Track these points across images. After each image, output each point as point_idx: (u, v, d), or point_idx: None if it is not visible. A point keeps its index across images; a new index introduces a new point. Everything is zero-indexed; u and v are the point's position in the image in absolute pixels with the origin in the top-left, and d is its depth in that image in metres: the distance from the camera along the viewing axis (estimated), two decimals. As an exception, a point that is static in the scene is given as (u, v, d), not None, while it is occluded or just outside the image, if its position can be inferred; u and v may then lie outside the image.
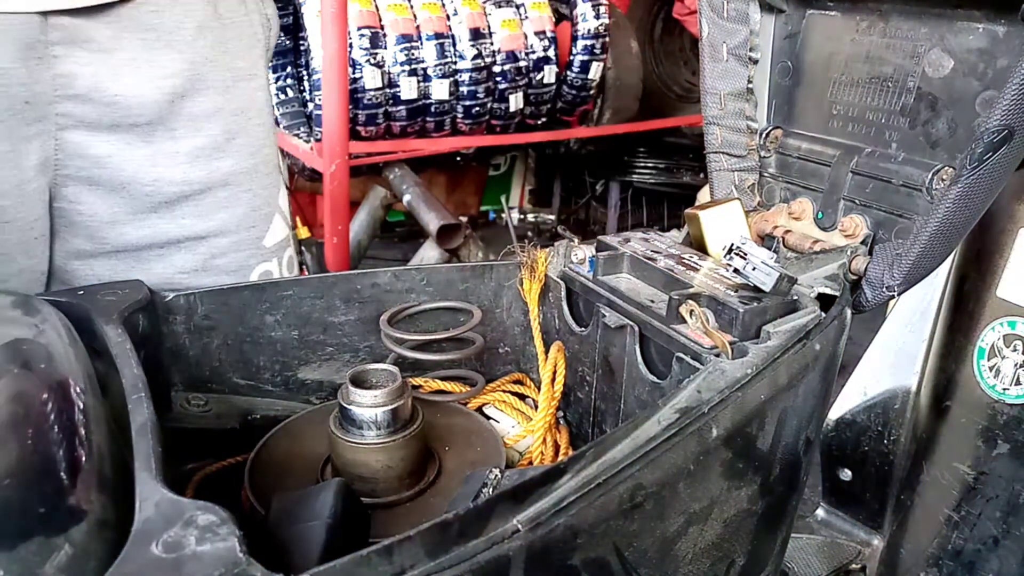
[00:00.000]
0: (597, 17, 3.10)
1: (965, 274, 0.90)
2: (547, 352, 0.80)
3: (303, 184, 3.38)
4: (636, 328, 0.70)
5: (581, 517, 0.46)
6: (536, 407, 0.79)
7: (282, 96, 2.94)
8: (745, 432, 0.57)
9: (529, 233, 3.85)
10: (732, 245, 0.67)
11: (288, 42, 2.94)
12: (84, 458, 0.45)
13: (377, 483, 0.63)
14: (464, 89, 2.91)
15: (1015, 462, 0.83)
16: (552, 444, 0.77)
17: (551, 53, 3.05)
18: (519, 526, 0.42)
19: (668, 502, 0.52)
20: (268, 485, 0.64)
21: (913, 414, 0.94)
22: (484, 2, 2.97)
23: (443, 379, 0.81)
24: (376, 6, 2.80)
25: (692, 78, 3.94)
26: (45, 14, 0.71)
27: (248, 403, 0.77)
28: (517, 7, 3.05)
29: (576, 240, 0.82)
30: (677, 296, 0.66)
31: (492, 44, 2.94)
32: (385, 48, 2.77)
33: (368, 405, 0.62)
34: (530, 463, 0.75)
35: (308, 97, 2.95)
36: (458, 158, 3.44)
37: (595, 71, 3.17)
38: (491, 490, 0.56)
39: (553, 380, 0.77)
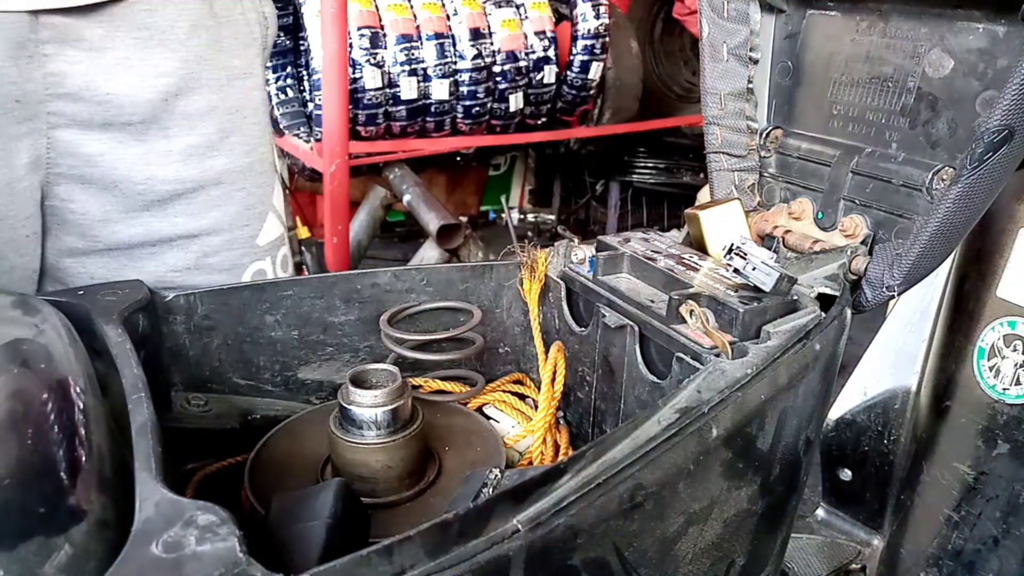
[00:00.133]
0: (597, 17, 3.10)
1: (965, 274, 0.90)
2: (547, 352, 0.80)
3: (303, 184, 3.38)
4: (636, 328, 0.70)
5: (581, 517, 0.45)
6: (536, 407, 0.79)
7: (282, 96, 2.94)
8: (745, 432, 0.57)
9: (529, 233, 3.85)
10: (732, 245, 0.67)
11: (288, 42, 2.94)
12: (84, 458, 0.45)
13: (377, 483, 0.63)
14: (464, 89, 2.91)
15: (1015, 462, 0.83)
16: (552, 444, 0.77)
17: (551, 53, 3.05)
18: (519, 526, 0.42)
19: (668, 502, 0.52)
20: (268, 485, 0.64)
21: (913, 414, 0.94)
22: (484, 2, 2.97)
23: (443, 379, 0.81)
24: (376, 6, 2.80)
25: (692, 78, 3.94)
26: (36, 13, 0.71)
27: (248, 403, 0.77)
28: (517, 7, 3.05)
29: (576, 240, 0.82)
30: (677, 296, 0.66)
31: (492, 44, 2.94)
32: (385, 48, 2.77)
33: (368, 405, 0.62)
34: (530, 463, 0.75)
35: (308, 97, 2.95)
36: (458, 158, 3.44)
37: (595, 71, 3.17)
38: (491, 490, 0.56)
39: (553, 380, 0.77)
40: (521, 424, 0.78)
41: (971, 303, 0.89)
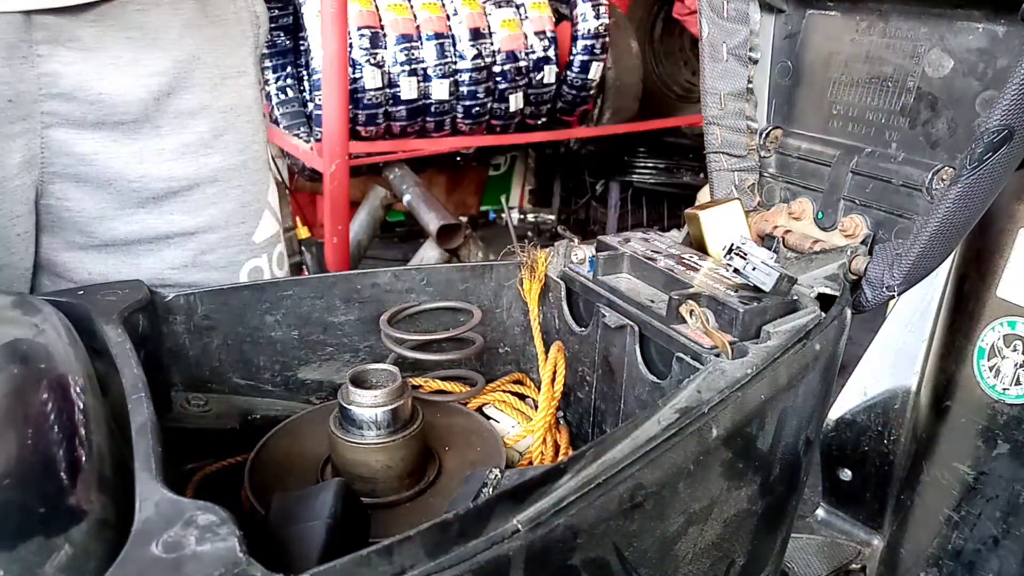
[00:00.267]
0: (597, 17, 3.10)
1: (965, 274, 0.90)
2: (547, 352, 0.80)
3: (303, 184, 3.38)
4: (636, 328, 0.70)
5: (581, 517, 0.45)
6: (536, 407, 0.79)
7: (282, 96, 2.94)
8: (745, 432, 0.57)
9: (529, 233, 3.85)
10: (732, 245, 0.67)
11: (288, 42, 2.94)
12: (84, 458, 0.45)
13: (377, 483, 0.63)
14: (464, 89, 2.91)
15: (1015, 462, 0.83)
16: (552, 444, 0.77)
17: (551, 53, 3.06)
18: (519, 526, 0.42)
19: (668, 502, 0.52)
20: (268, 485, 0.64)
21: (913, 414, 0.94)
22: (484, 2, 2.97)
23: (443, 379, 0.81)
24: (376, 6, 2.80)
25: (692, 78, 3.94)
26: (29, 13, 0.71)
27: (248, 403, 0.77)
28: (517, 7, 3.05)
29: (576, 240, 0.82)
30: (677, 296, 0.66)
31: (492, 44, 2.94)
32: (385, 48, 2.77)
33: (368, 405, 0.62)
34: (530, 463, 0.75)
35: (308, 97, 2.95)
36: (458, 158, 3.45)
37: (595, 71, 3.17)
38: (491, 490, 0.56)
39: (553, 380, 0.77)
40: (521, 424, 0.78)
41: (971, 303, 0.89)
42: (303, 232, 3.00)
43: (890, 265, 0.71)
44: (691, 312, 0.64)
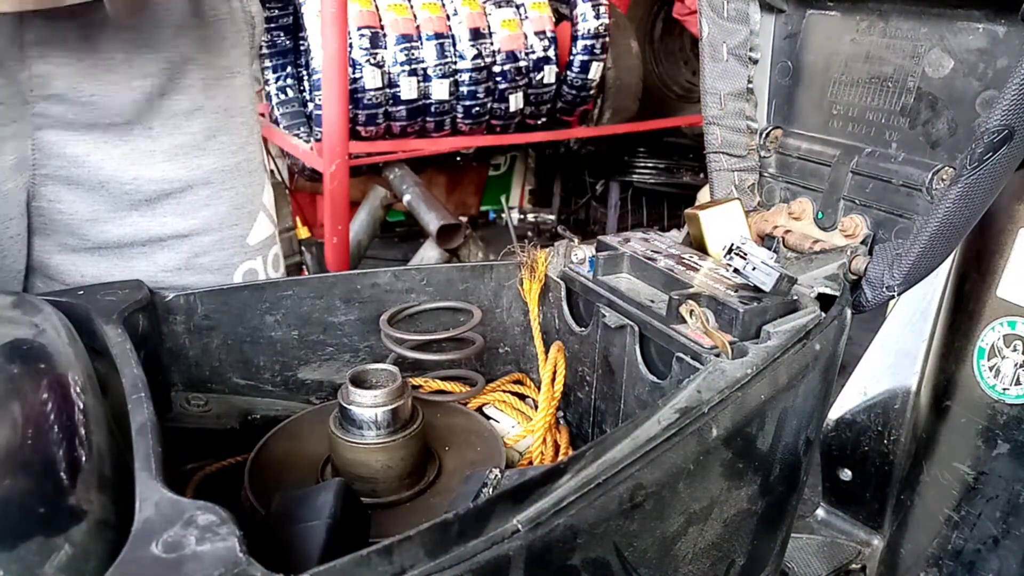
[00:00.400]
0: (597, 17, 3.10)
1: (965, 274, 0.90)
2: (547, 352, 0.80)
3: (303, 184, 3.38)
4: (636, 328, 0.70)
5: (581, 517, 0.45)
6: (536, 407, 0.79)
7: (282, 96, 2.94)
8: (745, 432, 0.57)
9: (529, 233, 3.85)
10: (732, 245, 0.67)
11: (288, 42, 2.94)
12: (84, 458, 0.45)
13: (377, 483, 0.63)
14: (464, 89, 2.91)
15: (1015, 462, 0.83)
16: (552, 444, 0.77)
17: (551, 53, 3.05)
18: (519, 526, 0.42)
19: (668, 502, 0.52)
20: (268, 485, 0.64)
21: (913, 414, 0.94)
22: (484, 2, 2.97)
23: (443, 379, 0.81)
24: (376, 6, 2.80)
25: (692, 78, 3.94)
26: (21, 15, 0.71)
27: (248, 403, 0.77)
28: (517, 7, 3.05)
29: (576, 240, 0.82)
30: (677, 296, 0.66)
31: (492, 44, 2.94)
32: (385, 48, 2.77)
33: (368, 405, 0.62)
34: (530, 463, 0.75)
35: (308, 97, 2.95)
36: (458, 158, 3.45)
37: (595, 71, 3.17)
38: (491, 490, 0.56)
39: (553, 380, 0.77)
40: (521, 424, 0.78)
41: (971, 303, 0.89)
42: (303, 232, 3.00)
43: (890, 265, 0.71)
44: (691, 312, 0.64)
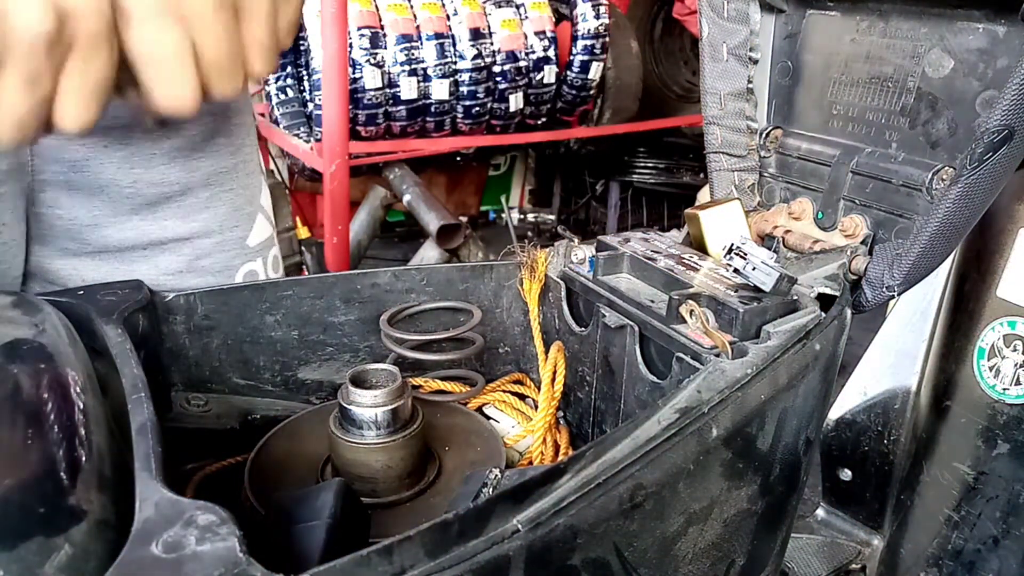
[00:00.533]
0: (597, 17, 3.10)
1: (965, 274, 0.90)
2: (547, 352, 0.80)
3: (303, 184, 3.38)
4: (636, 328, 0.70)
5: (581, 517, 0.45)
6: (536, 407, 0.79)
7: (282, 96, 2.94)
8: (745, 432, 0.57)
9: (529, 233, 3.85)
10: (732, 245, 0.67)
11: (288, 42, 2.94)
12: (84, 458, 0.45)
13: (377, 483, 0.63)
14: (464, 89, 2.91)
15: (1015, 462, 0.83)
16: (552, 444, 0.77)
17: (551, 53, 3.06)
18: (519, 526, 0.42)
19: (668, 502, 0.52)
20: (268, 485, 0.64)
21: (913, 414, 0.94)
22: (484, 2, 2.97)
23: (443, 379, 0.81)
24: (376, 6, 2.80)
25: (692, 78, 3.95)
26: None
27: (248, 403, 0.77)
28: (517, 7, 3.05)
29: (576, 240, 0.82)
30: (677, 296, 0.66)
31: (492, 44, 2.94)
32: (385, 48, 2.77)
33: (368, 405, 0.62)
34: (530, 463, 0.75)
35: (308, 97, 2.95)
36: (458, 158, 3.45)
37: (595, 71, 3.17)
38: (491, 490, 0.56)
39: (553, 380, 0.77)
40: (521, 424, 0.78)
41: (971, 303, 0.89)
42: (303, 232, 3.01)
43: (890, 265, 0.71)
44: (691, 312, 0.64)
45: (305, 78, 2.95)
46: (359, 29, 2.69)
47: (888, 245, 0.74)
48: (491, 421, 0.79)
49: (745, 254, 0.66)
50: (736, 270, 0.66)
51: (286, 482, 0.65)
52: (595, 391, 0.77)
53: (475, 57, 2.85)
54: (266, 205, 0.96)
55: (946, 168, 0.72)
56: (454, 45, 2.86)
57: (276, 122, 2.97)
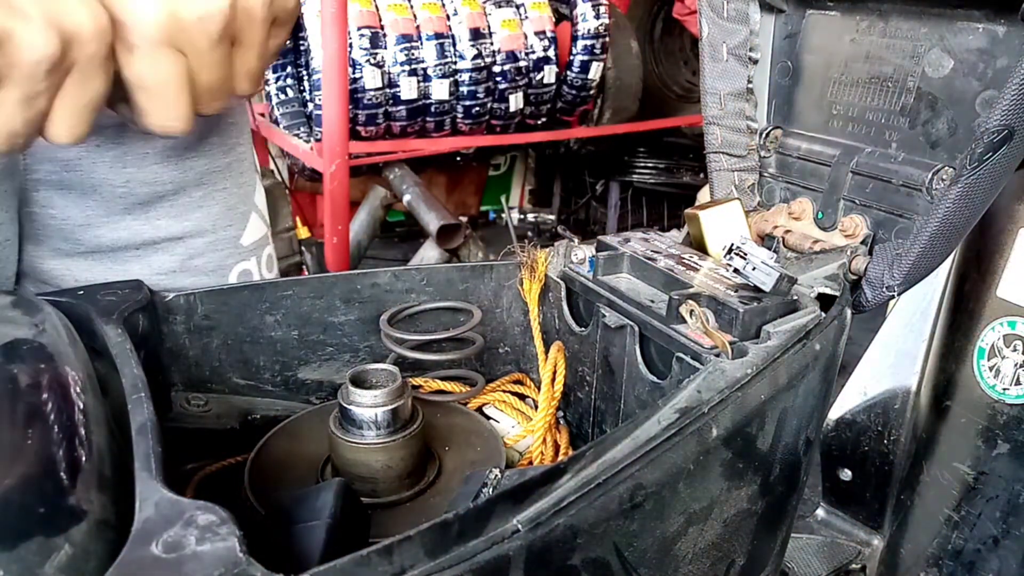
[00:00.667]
0: (597, 17, 3.10)
1: (965, 274, 0.90)
2: (547, 352, 0.80)
3: (303, 184, 3.38)
4: (636, 328, 0.70)
5: (581, 517, 0.46)
6: (536, 407, 0.79)
7: (282, 96, 2.94)
8: (745, 432, 0.57)
9: (529, 233, 3.85)
10: (732, 245, 0.67)
11: (288, 42, 2.95)
12: (84, 458, 0.45)
13: (377, 483, 0.63)
14: (464, 89, 2.91)
15: (1015, 462, 0.83)
16: (552, 444, 0.77)
17: (551, 53, 3.06)
18: (519, 526, 0.42)
19: (668, 502, 0.52)
20: (268, 485, 0.64)
21: (913, 414, 0.94)
22: (484, 2, 2.97)
23: (443, 379, 0.81)
24: (376, 6, 2.80)
25: (692, 78, 3.95)
26: None
27: (248, 403, 0.77)
28: (517, 7, 3.05)
29: (576, 240, 0.82)
30: (677, 296, 0.66)
31: (492, 44, 2.94)
32: (385, 48, 2.77)
33: (368, 405, 0.62)
34: (530, 463, 0.75)
35: (308, 97, 2.95)
36: (458, 158, 3.45)
37: (595, 71, 3.17)
38: (491, 490, 0.56)
39: (553, 380, 0.77)
40: (521, 424, 0.78)
41: (971, 303, 0.89)
42: (303, 232, 3.01)
43: (890, 265, 0.71)
44: (691, 312, 0.64)
45: (305, 78, 2.95)
46: (359, 29, 2.69)
47: (888, 245, 0.74)
48: (491, 421, 0.79)
49: (745, 254, 0.66)
50: (736, 270, 0.66)
51: (286, 482, 0.65)
52: (595, 391, 0.77)
53: (475, 57, 2.85)
54: (260, 204, 0.96)
55: (946, 168, 0.72)
56: (454, 45, 2.86)
57: (276, 122, 2.97)
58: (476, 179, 4.07)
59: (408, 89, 2.79)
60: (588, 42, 3.09)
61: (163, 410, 0.71)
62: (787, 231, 0.82)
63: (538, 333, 0.82)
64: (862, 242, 0.77)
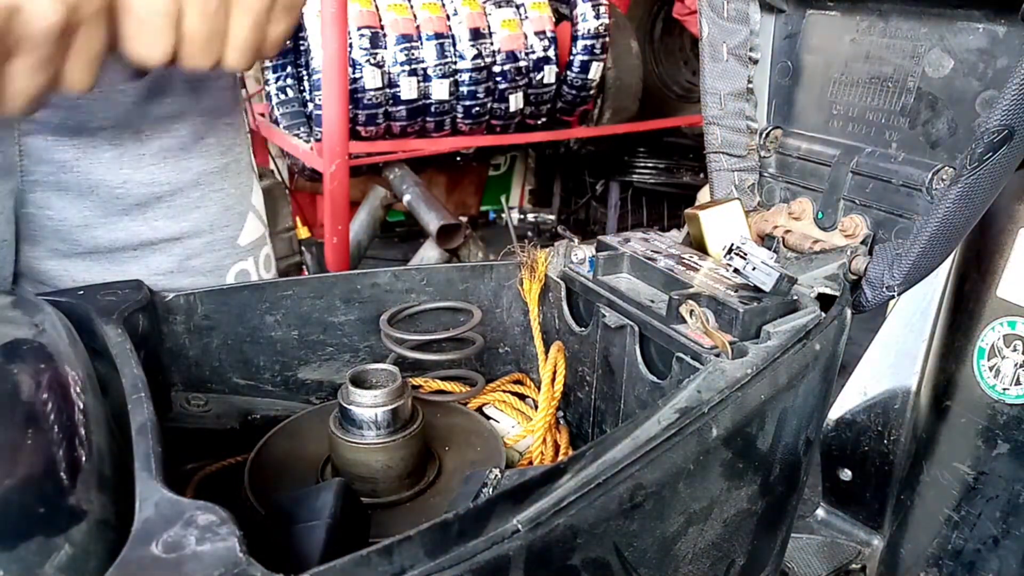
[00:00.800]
0: (597, 17, 3.10)
1: (965, 274, 0.90)
2: (547, 352, 0.80)
3: (303, 184, 3.38)
4: (636, 328, 0.70)
5: (581, 517, 0.46)
6: (536, 407, 0.79)
7: (282, 96, 2.94)
8: (745, 432, 0.57)
9: (529, 233, 3.85)
10: (732, 245, 0.67)
11: (288, 42, 2.95)
12: (84, 458, 0.45)
13: (377, 483, 0.63)
14: (464, 89, 2.91)
15: (1015, 462, 0.83)
16: (552, 444, 0.77)
17: (551, 53, 3.05)
18: (519, 526, 0.42)
19: (668, 502, 0.52)
20: (268, 485, 0.64)
21: (913, 414, 0.94)
22: (484, 2, 2.97)
23: (443, 379, 0.81)
24: (376, 6, 2.80)
25: (692, 78, 3.95)
26: None
27: (248, 403, 0.77)
28: (517, 7, 3.05)
29: (576, 240, 0.82)
30: (677, 296, 0.66)
31: (492, 44, 2.94)
32: (385, 48, 2.77)
33: (368, 405, 0.62)
34: (530, 463, 0.75)
35: (308, 97, 2.95)
36: (458, 158, 3.45)
37: (595, 71, 3.17)
38: (491, 490, 0.56)
39: (553, 380, 0.77)
40: (521, 424, 0.78)
41: (971, 303, 0.89)
42: (303, 232, 3.01)
43: (890, 265, 0.71)
44: (691, 312, 0.64)
45: (305, 78, 2.95)
46: (359, 29, 2.69)
47: (888, 245, 0.74)
48: (491, 421, 0.79)
49: (745, 254, 0.66)
50: (736, 270, 0.66)
51: (286, 482, 0.65)
52: (595, 391, 0.77)
53: (475, 57, 2.85)
54: (258, 204, 0.96)
55: (946, 168, 0.72)
56: (454, 45, 2.86)
57: (276, 122, 2.97)
58: (476, 179, 4.07)
59: (408, 89, 2.79)
60: (588, 42, 3.09)
61: (163, 410, 0.71)
62: (787, 231, 0.82)
63: (538, 333, 0.82)
64: (862, 242, 0.77)
